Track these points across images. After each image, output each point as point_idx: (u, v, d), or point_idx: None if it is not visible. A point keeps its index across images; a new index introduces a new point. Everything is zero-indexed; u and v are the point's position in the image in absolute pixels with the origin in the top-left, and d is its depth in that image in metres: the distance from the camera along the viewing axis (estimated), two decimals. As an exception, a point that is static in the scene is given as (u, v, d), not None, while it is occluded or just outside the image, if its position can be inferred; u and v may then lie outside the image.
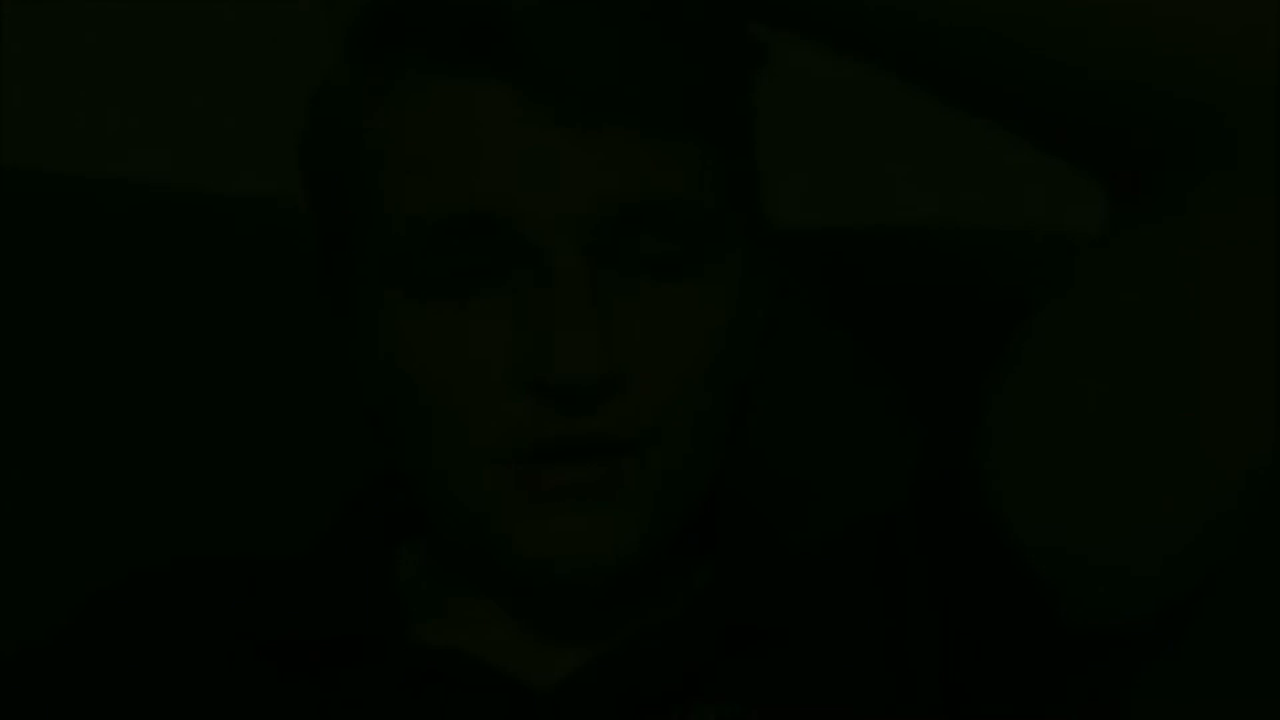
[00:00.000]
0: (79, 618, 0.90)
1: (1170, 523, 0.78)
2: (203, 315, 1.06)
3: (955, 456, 0.83)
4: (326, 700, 0.83)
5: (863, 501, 1.00)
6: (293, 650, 0.84)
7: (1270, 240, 0.74)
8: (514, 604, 0.85)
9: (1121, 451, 0.78)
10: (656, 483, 0.80)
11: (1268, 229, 0.74)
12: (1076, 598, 0.80)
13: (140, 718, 0.85)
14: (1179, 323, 0.76)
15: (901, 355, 1.05)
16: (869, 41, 0.76)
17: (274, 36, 1.27)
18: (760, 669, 0.83)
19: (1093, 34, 0.73)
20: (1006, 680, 0.82)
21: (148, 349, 1.06)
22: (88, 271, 1.07)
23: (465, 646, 0.83)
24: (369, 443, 0.89)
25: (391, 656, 0.83)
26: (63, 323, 1.06)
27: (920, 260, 1.07)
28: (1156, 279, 0.77)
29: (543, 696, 0.81)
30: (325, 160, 0.84)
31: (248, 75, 1.27)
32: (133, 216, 1.09)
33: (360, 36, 0.81)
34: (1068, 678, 0.83)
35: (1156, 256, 0.77)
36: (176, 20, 1.28)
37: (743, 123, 0.85)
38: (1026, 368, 0.81)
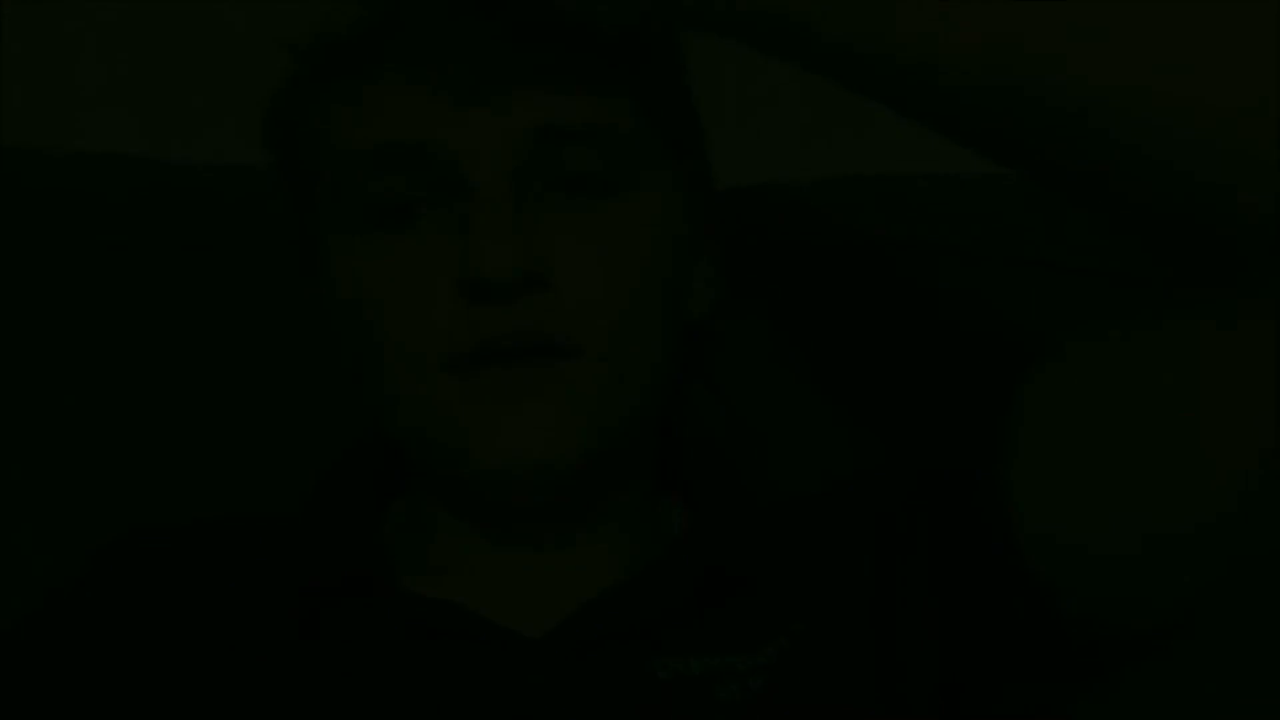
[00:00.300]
0: (87, 571, 0.93)
1: (1174, 523, 0.79)
2: (185, 285, 1.09)
3: (969, 445, 0.86)
4: (322, 649, 0.86)
5: (832, 460, 1.04)
6: (287, 600, 0.88)
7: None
8: (486, 530, 0.88)
9: (1128, 451, 0.79)
10: (592, 386, 0.84)
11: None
12: (1082, 598, 0.81)
13: (145, 667, 0.88)
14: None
15: (864, 311, 1.07)
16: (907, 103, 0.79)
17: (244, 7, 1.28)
18: (744, 615, 0.86)
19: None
20: (1001, 668, 0.84)
21: (133, 318, 1.08)
22: (71, 245, 1.09)
23: (455, 597, 0.86)
24: (351, 406, 0.93)
25: (385, 606, 0.87)
26: (51, 299, 1.08)
27: (877, 209, 1.09)
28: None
29: (533, 644, 0.84)
30: (289, 130, 0.90)
31: (218, 47, 1.29)
32: (109, 188, 1.11)
33: (310, 54, 0.88)
34: (1064, 676, 0.85)
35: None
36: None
37: (663, 63, 0.89)
38: (1049, 379, 0.83)
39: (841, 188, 1.11)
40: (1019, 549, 0.82)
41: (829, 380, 1.06)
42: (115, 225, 1.10)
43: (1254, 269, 0.74)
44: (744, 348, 1.06)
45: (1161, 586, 0.80)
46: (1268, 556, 0.79)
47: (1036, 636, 0.83)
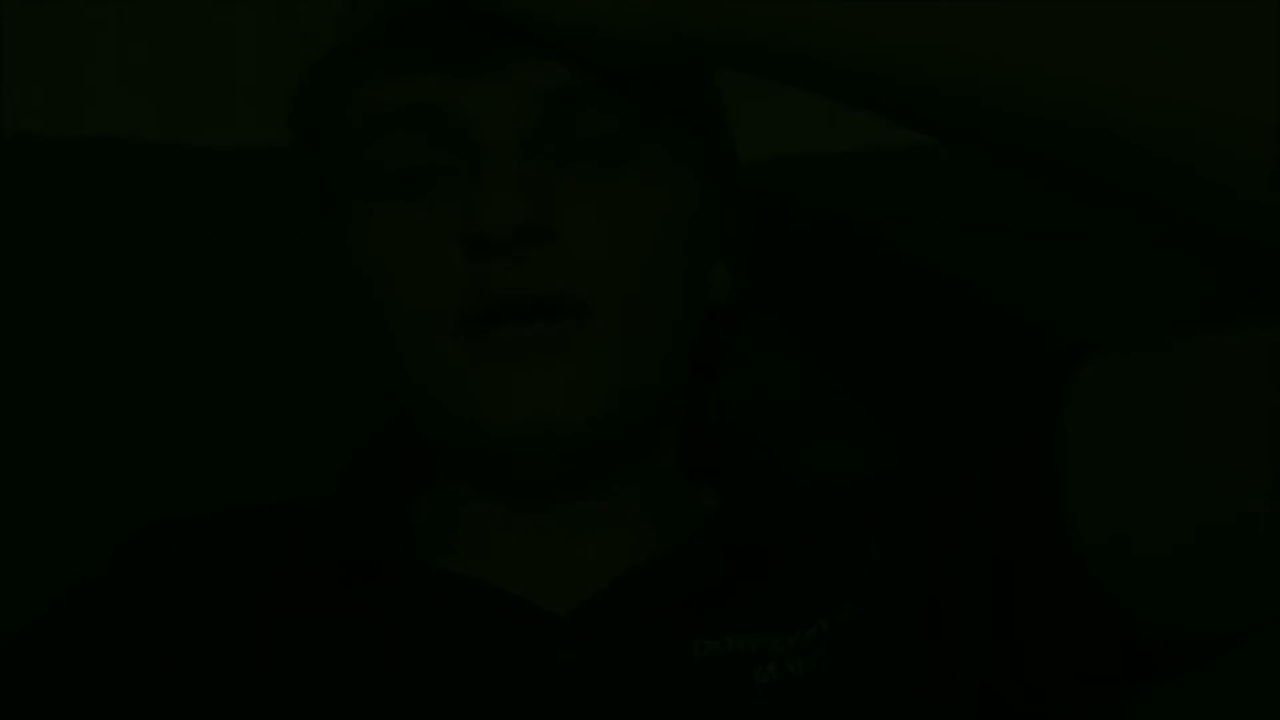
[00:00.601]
0: (112, 560, 0.92)
1: (1225, 521, 0.77)
2: (204, 270, 1.08)
3: (1013, 437, 0.84)
4: (353, 628, 0.85)
5: (862, 450, 1.03)
6: (316, 580, 0.87)
7: None
8: (506, 500, 0.88)
9: (1183, 451, 0.78)
10: (602, 349, 0.84)
11: None
12: (1138, 597, 0.80)
13: (174, 655, 0.87)
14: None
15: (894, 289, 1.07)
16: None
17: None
18: (783, 594, 0.85)
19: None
20: (1051, 666, 0.83)
21: (152, 305, 1.08)
22: (88, 231, 1.09)
23: (484, 576, 0.85)
24: (372, 394, 0.93)
25: (415, 583, 0.86)
26: (69, 284, 1.08)
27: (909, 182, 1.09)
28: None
29: (562, 620, 0.83)
30: (310, 112, 0.90)
31: (229, 31, 1.28)
32: (125, 173, 1.10)
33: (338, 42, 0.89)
34: (1116, 678, 0.83)
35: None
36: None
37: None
38: (1105, 377, 0.82)
39: (862, 161, 1.10)
40: (1071, 543, 0.80)
41: (855, 369, 1.06)
42: (133, 210, 1.10)
43: None
44: (771, 334, 1.06)
45: (1215, 586, 0.79)
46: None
47: (1088, 635, 0.81)
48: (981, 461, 0.85)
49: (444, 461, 0.90)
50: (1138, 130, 0.74)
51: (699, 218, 0.88)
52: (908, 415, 1.05)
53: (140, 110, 1.27)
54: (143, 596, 0.89)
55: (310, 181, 0.92)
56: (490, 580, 0.85)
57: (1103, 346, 0.82)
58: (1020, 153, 0.78)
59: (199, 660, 0.86)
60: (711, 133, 0.91)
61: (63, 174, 1.10)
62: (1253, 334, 0.77)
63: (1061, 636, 0.81)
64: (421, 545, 0.89)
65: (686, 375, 0.90)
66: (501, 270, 0.82)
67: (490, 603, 0.84)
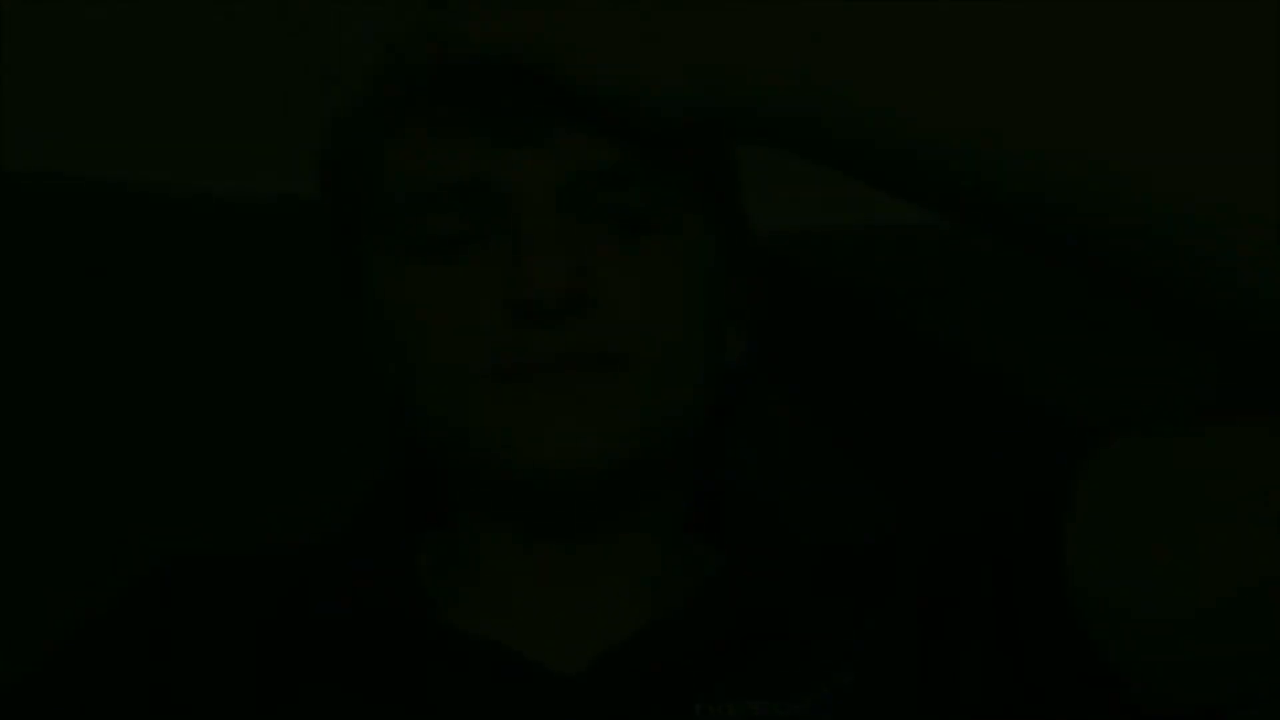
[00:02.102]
0: (123, 601, 0.93)
1: (1234, 596, 0.78)
2: (216, 317, 1.09)
3: (1016, 507, 0.85)
4: (358, 683, 0.86)
5: (863, 514, 1.04)
6: (324, 633, 0.87)
7: None
8: (521, 535, 0.89)
9: (1191, 531, 0.79)
10: (635, 396, 0.86)
11: None
12: (1138, 666, 0.81)
13: (179, 700, 0.88)
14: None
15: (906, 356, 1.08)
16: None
17: (274, 38, 1.29)
18: (784, 660, 0.86)
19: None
20: None
21: (163, 349, 1.09)
22: (105, 274, 1.10)
23: (489, 633, 0.86)
24: (382, 439, 0.95)
25: (421, 640, 0.86)
26: (81, 325, 1.09)
27: (918, 259, 1.10)
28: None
29: (567, 682, 0.84)
30: (339, 165, 0.93)
31: (246, 80, 1.29)
32: (141, 218, 1.11)
33: (371, 98, 0.91)
34: None
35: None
36: (175, 23, 1.30)
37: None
38: (1121, 458, 0.82)
39: (867, 236, 1.11)
40: (1073, 613, 0.81)
41: (856, 431, 1.07)
42: (140, 256, 1.10)
43: None
44: (775, 398, 1.07)
45: (1215, 659, 0.80)
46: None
47: (1088, 706, 0.82)
48: (986, 531, 0.87)
49: (466, 502, 0.91)
50: (1166, 222, 0.76)
51: (719, 283, 0.91)
52: (911, 485, 1.06)
53: (150, 155, 1.27)
54: (150, 640, 0.90)
55: (335, 234, 0.93)
56: (497, 636, 0.86)
57: (1117, 428, 0.83)
58: (1041, 236, 0.80)
59: (202, 708, 0.87)
60: (730, 202, 0.94)
61: (72, 214, 1.11)
62: (1266, 422, 0.78)
63: (1061, 707, 0.82)
64: (429, 596, 0.89)
65: (701, 433, 0.92)
66: (545, 335, 0.85)
67: (496, 662, 0.85)
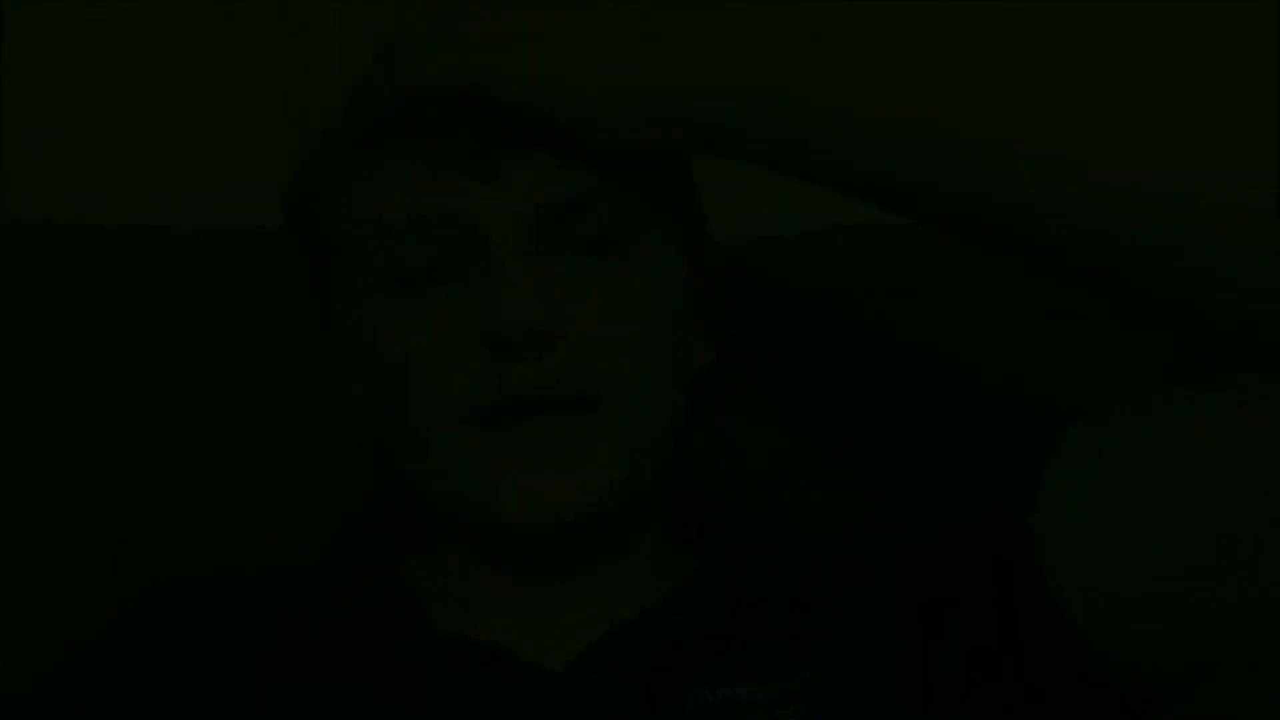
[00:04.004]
0: (116, 624, 0.94)
1: (1207, 568, 0.81)
2: (201, 345, 1.12)
3: (990, 496, 0.89)
4: (349, 687, 0.88)
5: (836, 510, 1.06)
6: (315, 641, 0.90)
7: None
8: (506, 575, 0.91)
9: (1164, 506, 0.82)
10: (610, 436, 0.88)
11: None
12: (1117, 643, 0.83)
13: (181, 711, 0.90)
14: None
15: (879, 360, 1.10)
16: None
17: (241, 75, 1.31)
18: (767, 645, 0.88)
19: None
20: (1033, 716, 0.86)
21: (153, 379, 1.11)
22: (97, 311, 1.12)
23: (478, 634, 0.88)
24: (363, 466, 0.97)
25: (412, 642, 0.89)
26: (75, 353, 1.11)
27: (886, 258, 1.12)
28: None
29: (556, 676, 0.86)
30: (306, 202, 0.94)
31: (225, 115, 1.30)
32: (127, 256, 1.14)
33: (337, 136, 0.93)
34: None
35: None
36: (157, 62, 1.32)
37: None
38: (1091, 439, 0.85)
39: (831, 238, 1.13)
40: (1051, 595, 0.84)
41: (827, 432, 1.09)
42: (123, 293, 1.13)
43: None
44: (745, 398, 1.09)
45: (1193, 627, 0.82)
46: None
47: (1069, 684, 0.84)
48: (964, 523, 0.89)
49: (447, 534, 0.93)
50: (1152, 230, 0.78)
51: (685, 292, 0.93)
52: (887, 483, 1.07)
53: (127, 195, 1.29)
54: (147, 658, 0.92)
55: (307, 267, 0.95)
56: (484, 637, 0.88)
57: (1083, 411, 0.85)
58: (1001, 233, 0.82)
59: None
60: (689, 212, 0.95)
61: (59, 260, 1.14)
62: (1228, 387, 0.81)
63: (1041, 685, 0.85)
64: (417, 606, 0.91)
65: (675, 446, 0.94)
66: (520, 369, 0.86)
67: (486, 660, 0.87)
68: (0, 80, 1.30)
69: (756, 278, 1.10)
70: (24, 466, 1.09)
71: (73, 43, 1.31)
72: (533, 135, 0.87)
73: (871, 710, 0.86)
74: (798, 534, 1.00)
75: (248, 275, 1.14)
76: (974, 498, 0.90)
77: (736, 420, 1.09)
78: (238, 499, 1.09)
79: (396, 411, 0.89)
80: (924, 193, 0.82)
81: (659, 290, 0.91)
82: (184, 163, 1.30)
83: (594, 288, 0.88)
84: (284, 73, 1.27)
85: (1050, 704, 0.85)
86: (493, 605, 0.91)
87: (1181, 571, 0.81)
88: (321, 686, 0.88)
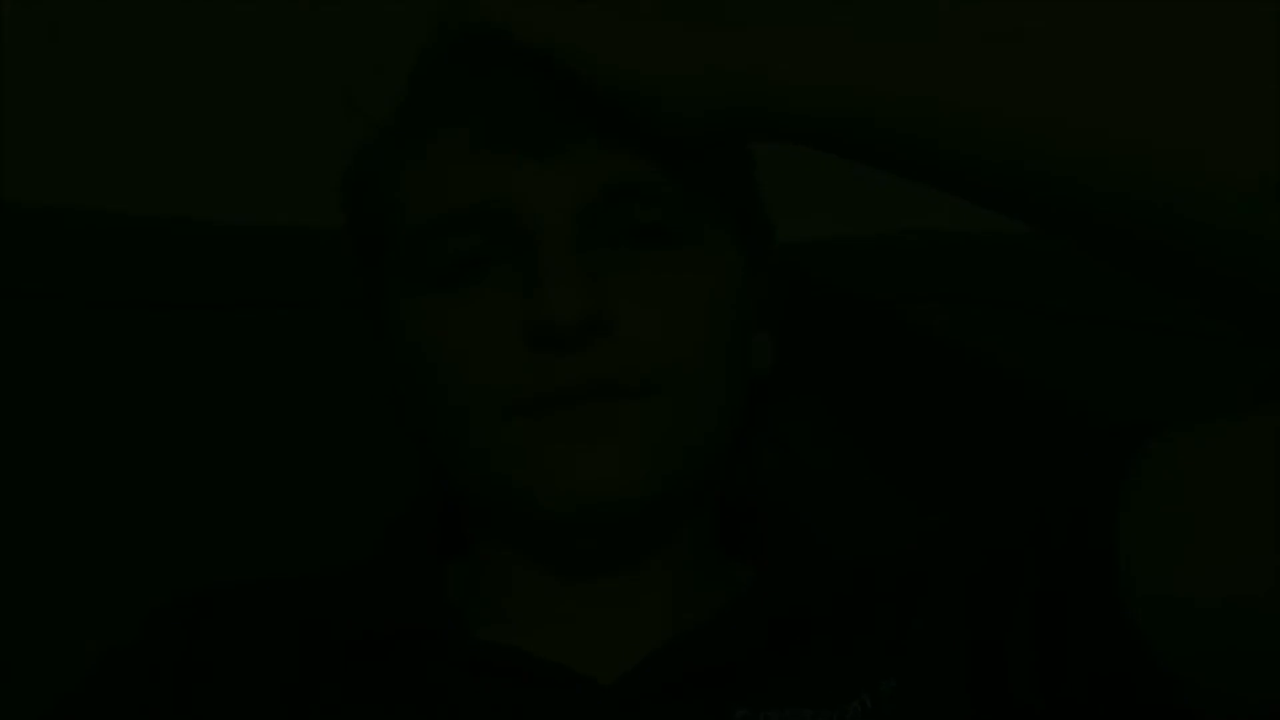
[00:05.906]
0: (146, 632, 0.93)
1: None
2: (239, 345, 1.10)
3: (1059, 504, 0.85)
4: (395, 699, 0.86)
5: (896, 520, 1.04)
6: (356, 651, 0.88)
7: None
8: (552, 568, 0.89)
9: (1245, 518, 0.79)
10: (657, 426, 0.86)
11: None
12: (1193, 661, 0.80)
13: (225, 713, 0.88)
14: None
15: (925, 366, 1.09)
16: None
17: (291, 64, 1.29)
18: (824, 667, 0.86)
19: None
20: None
21: (190, 378, 1.09)
22: (112, 306, 1.10)
23: (525, 645, 0.86)
24: (407, 469, 0.95)
25: (455, 651, 0.87)
26: (96, 362, 1.09)
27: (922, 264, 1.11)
28: None
29: (606, 690, 0.84)
30: (360, 195, 0.93)
31: (270, 115, 1.30)
32: (156, 248, 1.12)
33: (393, 119, 0.91)
34: None
35: None
36: (187, 52, 1.31)
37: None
38: (1174, 452, 0.82)
39: (892, 242, 1.12)
40: (1126, 611, 0.80)
41: (886, 443, 1.07)
42: (163, 285, 1.11)
43: None
44: (809, 411, 1.08)
45: (1267, 655, 0.79)
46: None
47: (1142, 699, 0.81)
48: (1028, 533, 0.86)
49: (492, 532, 0.91)
50: (1156, 189, 0.77)
51: (743, 291, 0.91)
52: (941, 492, 1.06)
53: (173, 186, 1.28)
54: (176, 669, 0.90)
55: (359, 259, 0.94)
56: (531, 650, 0.86)
57: (1159, 427, 0.83)
58: (1033, 207, 0.81)
59: None
60: (751, 209, 0.93)
61: (71, 244, 1.12)
62: None
63: (1114, 706, 0.82)
64: (460, 614, 0.90)
65: (728, 449, 0.92)
66: (564, 362, 0.84)
67: (532, 671, 0.85)
68: (5, 71, 1.29)
69: (816, 280, 1.08)
70: (34, 465, 1.07)
71: (81, 37, 1.30)
72: (593, 114, 0.85)
73: None
74: (855, 548, 0.98)
75: (292, 271, 1.12)
76: (1038, 505, 0.88)
77: (794, 429, 1.07)
78: (275, 504, 1.07)
79: (437, 409, 0.88)
80: (1004, 177, 0.80)
81: (715, 286, 0.89)
82: (208, 155, 1.29)
83: (647, 279, 0.87)
84: (311, 74, 1.27)
85: None
86: (539, 613, 0.89)
87: (1263, 587, 0.78)
88: (364, 700, 0.86)
